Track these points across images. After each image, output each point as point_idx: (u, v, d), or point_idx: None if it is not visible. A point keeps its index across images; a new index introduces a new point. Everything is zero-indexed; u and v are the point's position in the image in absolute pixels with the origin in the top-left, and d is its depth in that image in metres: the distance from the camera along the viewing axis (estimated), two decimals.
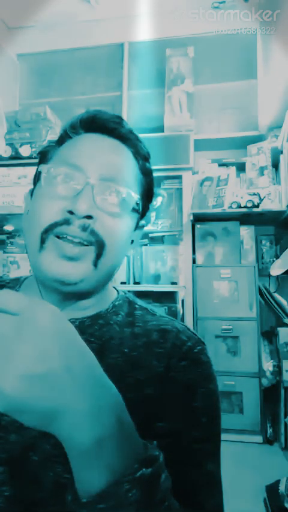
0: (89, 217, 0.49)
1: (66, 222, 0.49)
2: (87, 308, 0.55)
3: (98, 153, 0.53)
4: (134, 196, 0.53)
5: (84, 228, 0.49)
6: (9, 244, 2.50)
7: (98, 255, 0.50)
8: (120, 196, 0.52)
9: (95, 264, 0.50)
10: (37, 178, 0.55)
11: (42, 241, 0.49)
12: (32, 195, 0.56)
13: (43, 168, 0.53)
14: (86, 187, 0.49)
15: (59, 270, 0.48)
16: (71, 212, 0.49)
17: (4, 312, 0.32)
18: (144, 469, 0.34)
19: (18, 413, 0.31)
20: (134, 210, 0.54)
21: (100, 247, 0.50)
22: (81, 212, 0.48)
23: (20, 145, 2.37)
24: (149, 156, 0.59)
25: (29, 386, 0.30)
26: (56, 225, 0.49)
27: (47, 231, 0.49)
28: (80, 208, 0.48)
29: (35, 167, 0.56)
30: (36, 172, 0.56)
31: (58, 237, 0.49)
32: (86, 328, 0.54)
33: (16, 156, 2.38)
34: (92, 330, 0.54)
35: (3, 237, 2.54)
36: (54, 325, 0.33)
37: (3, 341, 0.31)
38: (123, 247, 0.54)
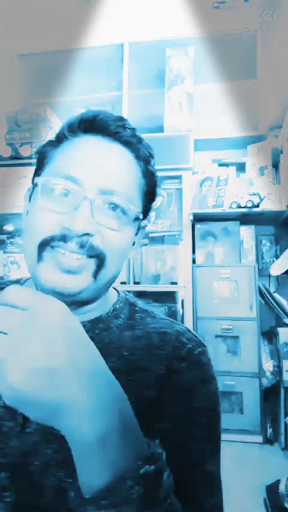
0: (87, 234, 0.47)
1: (64, 238, 0.47)
2: (87, 312, 0.55)
3: (96, 161, 0.50)
4: (135, 209, 0.52)
5: (82, 246, 0.47)
6: (9, 244, 2.50)
7: (99, 267, 0.49)
8: (121, 210, 0.50)
9: (95, 276, 0.49)
10: (34, 185, 0.53)
11: (40, 252, 0.48)
12: (30, 198, 0.54)
13: (39, 180, 0.50)
14: (83, 203, 0.47)
15: (57, 283, 0.47)
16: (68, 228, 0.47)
17: (13, 307, 0.33)
18: (147, 466, 0.34)
19: (25, 407, 0.32)
20: (136, 219, 0.53)
21: (101, 260, 0.49)
22: (79, 230, 0.46)
23: (20, 145, 2.37)
24: (152, 157, 0.56)
25: (36, 380, 0.31)
26: (53, 239, 0.47)
27: (43, 244, 0.48)
28: (77, 226, 0.46)
29: (35, 167, 0.55)
30: (33, 178, 0.54)
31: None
32: (87, 332, 0.54)
33: (16, 156, 2.38)
34: (92, 334, 0.53)
35: (3, 237, 2.54)
36: (62, 321, 0.34)
37: (11, 335, 0.31)
38: (124, 256, 0.53)
